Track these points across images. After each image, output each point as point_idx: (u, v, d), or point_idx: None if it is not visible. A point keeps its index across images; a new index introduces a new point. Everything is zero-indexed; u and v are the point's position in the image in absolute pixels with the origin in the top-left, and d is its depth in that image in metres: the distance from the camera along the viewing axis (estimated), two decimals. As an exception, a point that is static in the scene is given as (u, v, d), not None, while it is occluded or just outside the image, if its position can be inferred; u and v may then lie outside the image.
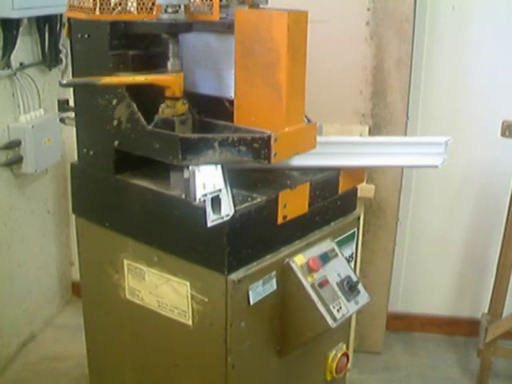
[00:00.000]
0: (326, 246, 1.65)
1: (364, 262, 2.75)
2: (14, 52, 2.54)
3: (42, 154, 2.72)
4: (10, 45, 2.50)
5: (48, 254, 3.09)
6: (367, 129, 2.65)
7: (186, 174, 1.40)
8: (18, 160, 2.64)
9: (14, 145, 2.60)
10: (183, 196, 1.44)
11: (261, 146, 1.40)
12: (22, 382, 2.67)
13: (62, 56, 2.87)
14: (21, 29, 2.52)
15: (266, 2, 1.61)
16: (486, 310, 2.77)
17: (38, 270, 2.99)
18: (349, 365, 1.94)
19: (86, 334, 1.88)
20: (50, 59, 2.80)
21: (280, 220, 1.54)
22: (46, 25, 2.72)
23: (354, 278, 1.62)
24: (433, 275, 3.05)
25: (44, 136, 2.72)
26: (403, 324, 3.13)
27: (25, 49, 2.67)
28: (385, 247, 2.83)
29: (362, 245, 2.65)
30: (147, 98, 1.48)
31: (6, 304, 2.75)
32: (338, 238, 1.73)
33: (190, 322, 1.54)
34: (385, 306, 2.92)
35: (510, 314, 2.60)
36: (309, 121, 1.56)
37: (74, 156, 1.75)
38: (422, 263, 3.05)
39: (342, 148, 1.65)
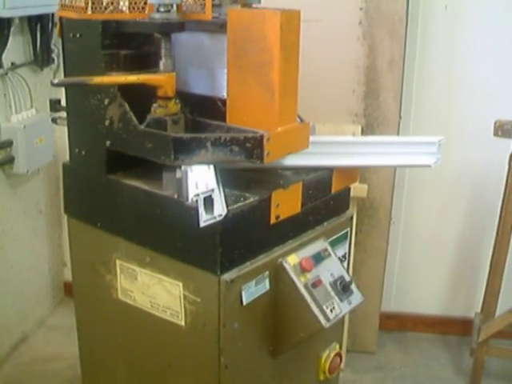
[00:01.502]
0: (319, 245, 1.65)
1: (357, 261, 2.76)
2: (6, 52, 2.53)
3: (34, 154, 2.71)
4: (1, 44, 2.49)
5: (40, 254, 3.08)
6: (360, 128, 2.65)
7: (178, 174, 1.40)
8: (10, 160, 2.63)
9: (5, 145, 2.59)
10: (175, 196, 1.43)
11: (253, 145, 1.39)
12: (14, 383, 2.66)
13: (54, 56, 2.86)
14: (12, 28, 2.52)
15: (259, 1, 1.62)
16: (479, 310, 2.78)
17: (30, 270, 2.98)
18: (342, 365, 1.94)
19: (79, 335, 1.87)
20: (41, 59, 2.79)
21: (273, 220, 1.53)
22: (38, 24, 2.72)
23: (347, 278, 1.62)
24: (426, 275, 3.06)
25: (36, 136, 2.71)
26: (396, 323, 3.13)
27: (16, 48, 2.67)
28: (378, 247, 2.83)
29: (355, 245, 2.66)
30: (139, 98, 1.47)
31: (-1, 304, 2.75)
32: (331, 238, 1.73)
33: (183, 323, 1.54)
34: (378, 306, 2.92)
35: (502, 313, 2.61)
36: (302, 120, 1.56)
37: (66, 156, 1.74)
38: (415, 263, 3.06)
39: (334, 148, 1.65)
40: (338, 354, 1.85)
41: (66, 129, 1.70)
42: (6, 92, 2.62)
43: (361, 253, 2.80)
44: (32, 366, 2.78)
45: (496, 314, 2.62)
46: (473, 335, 2.71)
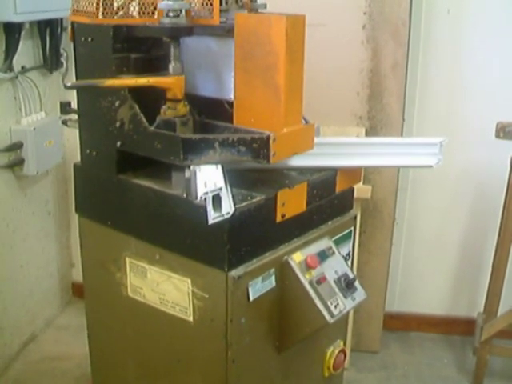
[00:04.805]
0: (324, 244, 1.68)
1: (361, 262, 2.78)
2: (16, 56, 2.57)
3: (43, 155, 2.75)
4: (12, 48, 2.53)
5: (49, 254, 3.12)
6: (364, 131, 2.68)
7: (187, 174, 1.43)
8: (20, 162, 2.67)
9: (15, 147, 2.63)
10: (184, 195, 1.46)
11: (260, 146, 1.42)
12: (23, 382, 2.70)
13: (63, 59, 2.90)
14: (23, 33, 2.56)
15: (265, 6, 1.65)
16: (482, 309, 2.81)
17: (39, 270, 3.02)
18: (346, 363, 1.97)
19: (89, 332, 1.90)
20: (51, 62, 2.83)
21: (279, 218, 1.56)
22: (47, 29, 2.76)
23: (351, 275, 1.65)
24: (429, 275, 3.09)
25: (45, 138, 2.75)
26: (400, 323, 3.16)
27: (26, 52, 2.70)
28: (381, 247, 2.86)
29: (359, 245, 2.68)
30: (149, 100, 1.51)
31: (9, 304, 2.78)
32: (336, 237, 1.75)
33: (191, 319, 1.57)
34: (382, 306, 2.95)
35: (505, 312, 2.64)
36: (306, 122, 1.59)
37: (74, 158, 1.78)
38: (419, 263, 3.08)
39: (338, 149, 1.68)
40: (343, 351, 1.88)
41: (75, 131, 1.73)
42: (17, 95, 2.66)
43: (365, 253, 2.83)
44: (41, 365, 2.81)
45: (498, 313, 2.65)
46: (475, 335, 2.73)
